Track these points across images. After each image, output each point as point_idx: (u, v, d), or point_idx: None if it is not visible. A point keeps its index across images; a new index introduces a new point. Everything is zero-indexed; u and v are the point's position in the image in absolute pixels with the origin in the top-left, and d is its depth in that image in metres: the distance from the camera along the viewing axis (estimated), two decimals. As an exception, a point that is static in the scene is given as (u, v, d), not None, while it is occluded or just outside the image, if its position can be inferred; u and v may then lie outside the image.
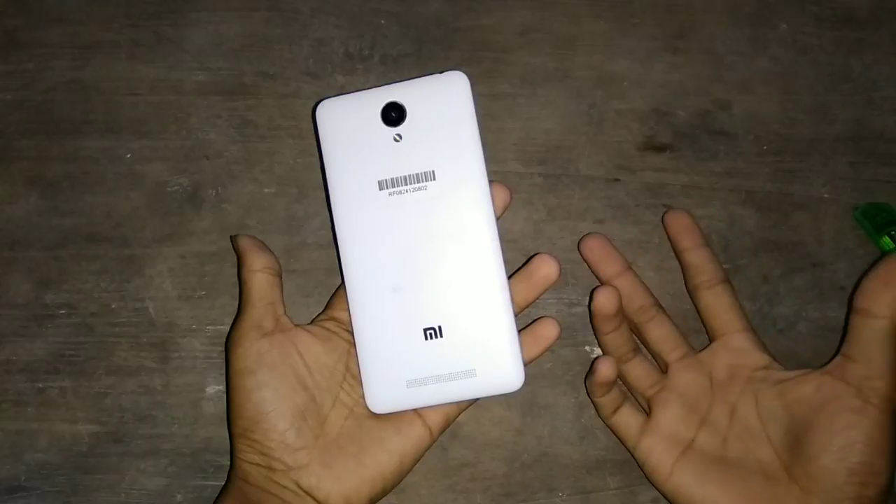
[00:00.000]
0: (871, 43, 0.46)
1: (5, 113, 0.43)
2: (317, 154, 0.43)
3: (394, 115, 0.35)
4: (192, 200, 0.42)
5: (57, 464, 0.39)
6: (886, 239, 0.42)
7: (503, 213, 0.37)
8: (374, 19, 0.45)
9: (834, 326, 0.42)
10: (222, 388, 0.40)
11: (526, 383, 0.35)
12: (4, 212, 0.42)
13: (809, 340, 0.42)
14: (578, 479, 0.40)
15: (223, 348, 0.41)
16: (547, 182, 0.43)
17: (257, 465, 0.35)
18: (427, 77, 0.36)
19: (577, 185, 0.43)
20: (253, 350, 0.35)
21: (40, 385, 0.40)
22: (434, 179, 0.35)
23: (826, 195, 0.44)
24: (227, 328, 0.41)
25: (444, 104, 0.36)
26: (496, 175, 0.43)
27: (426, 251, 0.35)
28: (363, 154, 0.36)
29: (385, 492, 0.36)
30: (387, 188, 0.35)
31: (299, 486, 0.34)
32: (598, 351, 0.41)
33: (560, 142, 0.44)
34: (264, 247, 0.38)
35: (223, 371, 0.41)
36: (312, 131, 0.43)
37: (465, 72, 0.36)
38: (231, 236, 0.39)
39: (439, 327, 0.35)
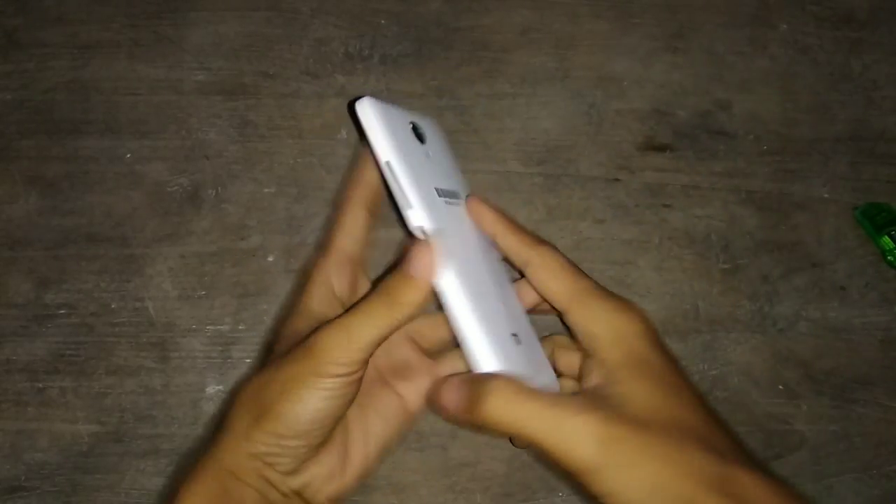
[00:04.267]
0: (871, 43, 0.46)
1: (5, 113, 0.43)
2: (317, 154, 0.43)
3: (419, 132, 0.35)
4: (192, 200, 0.42)
5: (57, 464, 0.39)
6: (886, 239, 0.42)
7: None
8: (374, 19, 0.45)
9: (834, 326, 0.42)
10: (222, 387, 0.40)
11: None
12: (4, 212, 0.42)
13: (809, 340, 0.42)
14: (578, 479, 0.40)
15: (223, 348, 0.41)
16: (547, 182, 0.43)
17: (253, 456, 0.32)
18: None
19: (577, 185, 0.43)
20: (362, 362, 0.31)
21: (40, 385, 0.40)
22: (459, 197, 0.35)
23: (826, 195, 0.44)
24: (227, 328, 0.41)
25: (438, 135, 0.36)
26: (497, 175, 0.43)
27: (484, 259, 0.35)
28: (418, 159, 0.34)
29: (369, 476, 0.36)
30: (443, 196, 0.34)
31: (290, 488, 0.34)
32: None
33: (560, 142, 0.44)
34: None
35: (223, 371, 0.40)
36: (312, 131, 0.43)
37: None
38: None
39: (516, 335, 0.34)
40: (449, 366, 0.37)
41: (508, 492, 0.40)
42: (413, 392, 0.36)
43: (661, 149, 0.44)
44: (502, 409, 0.31)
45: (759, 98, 0.45)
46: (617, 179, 0.43)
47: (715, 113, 0.44)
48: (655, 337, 0.34)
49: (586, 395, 0.33)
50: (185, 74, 0.44)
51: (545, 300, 0.35)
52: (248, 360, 0.40)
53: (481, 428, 0.32)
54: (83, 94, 0.43)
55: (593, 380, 0.33)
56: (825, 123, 0.45)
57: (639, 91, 0.44)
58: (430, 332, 0.38)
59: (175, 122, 0.43)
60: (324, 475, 0.34)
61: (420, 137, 0.35)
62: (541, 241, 0.35)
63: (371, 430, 0.35)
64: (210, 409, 0.40)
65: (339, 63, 0.44)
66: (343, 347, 0.31)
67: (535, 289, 0.35)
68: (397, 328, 0.31)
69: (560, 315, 0.35)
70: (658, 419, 0.31)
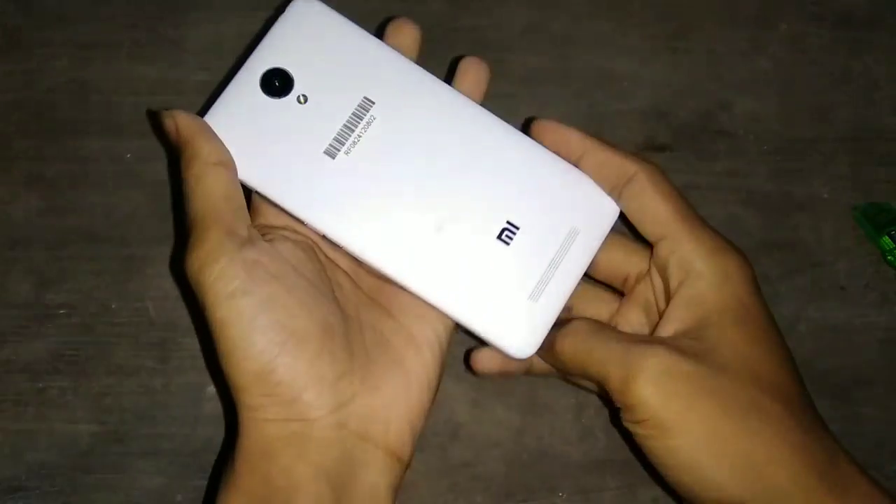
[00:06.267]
0: (871, 43, 0.46)
1: (5, 113, 0.43)
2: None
3: (277, 83, 0.31)
4: (192, 200, 0.42)
5: (57, 464, 0.39)
6: (886, 239, 0.42)
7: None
8: (373, 19, 0.45)
9: (834, 326, 0.42)
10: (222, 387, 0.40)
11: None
12: (4, 212, 0.42)
13: (809, 340, 0.42)
14: (578, 479, 0.40)
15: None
16: (547, 182, 0.43)
17: (284, 420, 0.27)
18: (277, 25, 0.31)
19: (577, 185, 0.43)
20: (237, 263, 0.27)
21: (40, 385, 0.40)
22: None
23: (826, 195, 0.44)
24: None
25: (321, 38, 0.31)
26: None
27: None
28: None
29: (433, 396, 0.31)
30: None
31: (347, 429, 0.28)
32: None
33: (560, 142, 0.44)
34: (214, 134, 0.30)
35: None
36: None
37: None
38: (156, 112, 0.32)
39: (509, 222, 0.30)
40: None
41: (508, 492, 0.40)
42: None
43: (661, 149, 0.44)
44: (579, 347, 0.30)
45: (759, 98, 0.45)
46: (617, 179, 0.43)
47: (715, 113, 0.44)
48: (757, 286, 0.31)
49: (674, 337, 0.30)
50: (185, 74, 0.44)
51: (634, 224, 0.32)
52: (248, 360, 0.40)
53: (558, 365, 0.31)
54: (83, 94, 0.43)
55: (680, 317, 0.30)
56: (825, 123, 0.45)
57: (639, 91, 0.44)
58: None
59: (175, 122, 0.43)
60: (386, 399, 0.29)
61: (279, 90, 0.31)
62: (645, 157, 0.32)
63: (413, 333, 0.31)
64: (210, 409, 0.40)
65: (339, 63, 0.44)
66: (201, 241, 0.28)
67: (626, 210, 0.32)
68: (229, 189, 0.29)
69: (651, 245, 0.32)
70: (751, 375, 0.28)
